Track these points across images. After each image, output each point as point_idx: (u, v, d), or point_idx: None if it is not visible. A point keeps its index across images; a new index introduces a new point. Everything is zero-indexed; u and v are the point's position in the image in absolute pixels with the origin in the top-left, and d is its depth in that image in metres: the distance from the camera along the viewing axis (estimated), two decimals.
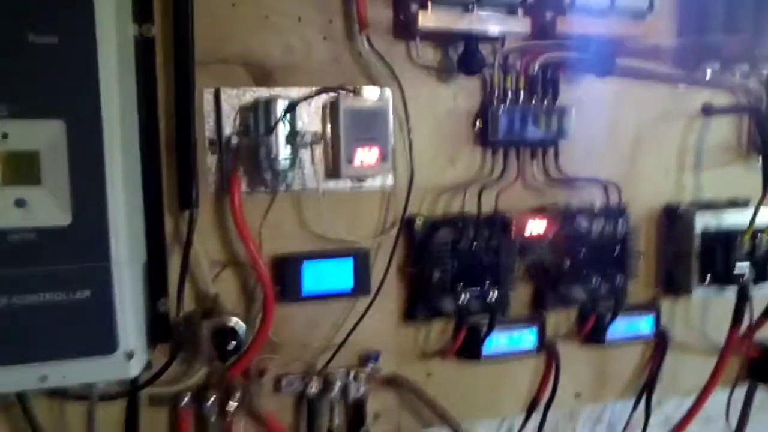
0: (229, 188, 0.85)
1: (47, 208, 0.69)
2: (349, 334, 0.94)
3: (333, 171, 0.90)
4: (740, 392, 1.20)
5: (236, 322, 0.86)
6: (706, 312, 1.16)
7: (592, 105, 1.04)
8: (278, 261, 0.91)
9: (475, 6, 0.90)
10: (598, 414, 1.16)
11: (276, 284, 0.90)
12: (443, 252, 0.94)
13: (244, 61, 0.87)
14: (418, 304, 0.98)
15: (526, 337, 1.03)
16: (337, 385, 0.94)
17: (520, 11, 0.93)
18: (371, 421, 0.99)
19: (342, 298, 0.94)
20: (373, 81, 0.92)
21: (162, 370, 0.84)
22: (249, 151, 0.85)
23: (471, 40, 0.93)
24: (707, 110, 1.11)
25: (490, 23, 0.91)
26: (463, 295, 0.95)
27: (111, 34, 0.70)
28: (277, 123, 0.82)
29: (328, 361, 0.94)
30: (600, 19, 0.95)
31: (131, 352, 0.74)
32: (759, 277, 1.06)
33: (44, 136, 0.68)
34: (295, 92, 0.87)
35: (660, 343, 1.13)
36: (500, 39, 0.96)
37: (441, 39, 0.95)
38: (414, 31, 0.91)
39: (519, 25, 0.93)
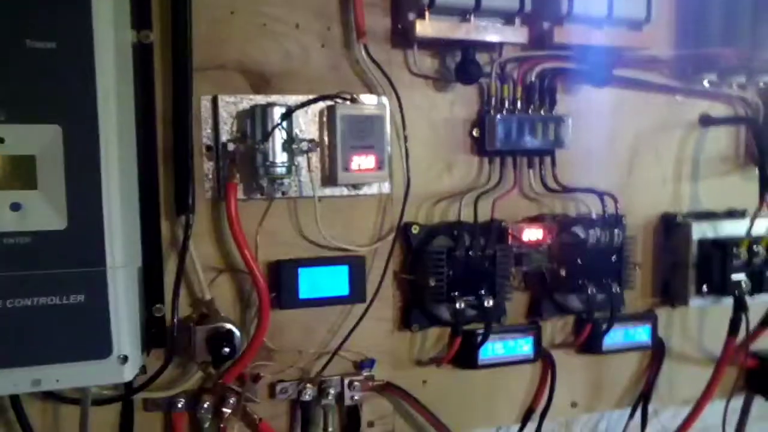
0: (226, 194, 0.85)
1: (43, 212, 0.69)
2: (344, 341, 0.94)
3: (329, 178, 0.90)
4: (737, 402, 1.19)
5: (231, 327, 0.86)
6: (703, 322, 1.16)
7: (589, 114, 1.05)
8: (274, 267, 0.91)
9: (472, 15, 0.90)
10: (594, 423, 1.16)
11: (271, 290, 0.90)
12: (439, 259, 0.94)
13: (242, 67, 0.88)
14: (413, 312, 0.98)
15: (522, 346, 1.03)
16: (332, 391, 0.94)
17: (518, 20, 0.93)
18: (366, 428, 0.98)
19: (337, 305, 0.94)
20: (370, 89, 0.93)
21: (156, 374, 0.84)
22: (246, 157, 0.86)
23: (468, 49, 0.93)
24: (705, 121, 1.11)
25: (488, 32, 0.92)
26: (458, 303, 0.95)
27: (109, 40, 0.70)
28: (273, 130, 0.83)
29: (323, 368, 0.94)
30: (597, 29, 0.96)
31: (125, 356, 0.74)
32: (755, 287, 1.06)
33: (41, 141, 0.68)
34: (293, 99, 0.88)
35: (657, 352, 1.13)
36: (498, 48, 0.96)
37: (438, 47, 0.95)
38: (411, 40, 0.92)
39: (516, 35, 0.93)
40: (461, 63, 0.93)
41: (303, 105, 0.85)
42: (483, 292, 0.96)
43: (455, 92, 0.98)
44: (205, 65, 0.86)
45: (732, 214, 1.12)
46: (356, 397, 0.96)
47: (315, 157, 0.90)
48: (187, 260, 0.85)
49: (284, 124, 0.84)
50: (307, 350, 0.94)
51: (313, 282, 0.92)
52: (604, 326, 1.05)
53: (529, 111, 0.99)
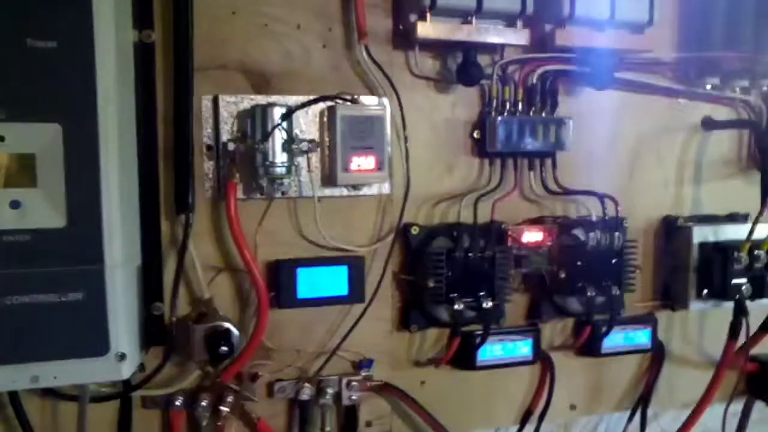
0: (226, 194, 0.85)
1: (42, 210, 0.70)
2: (342, 341, 0.94)
3: (329, 178, 0.91)
4: (738, 406, 1.19)
5: (229, 326, 0.86)
6: (703, 325, 1.16)
7: (591, 117, 1.05)
8: (273, 267, 0.91)
9: (474, 17, 0.90)
10: (593, 426, 1.16)
11: (270, 290, 0.90)
12: (438, 261, 0.94)
13: (243, 67, 0.88)
14: (412, 312, 0.98)
15: (521, 348, 1.03)
16: (330, 391, 0.94)
17: (519, 23, 0.93)
18: (363, 428, 0.99)
19: (336, 305, 0.94)
20: (371, 90, 0.93)
21: (154, 372, 0.85)
22: (246, 157, 0.86)
23: (470, 51, 0.93)
24: (707, 124, 1.11)
25: (489, 34, 0.91)
26: (457, 304, 0.95)
27: (109, 39, 0.70)
28: (273, 130, 0.83)
29: (321, 367, 0.95)
30: (599, 31, 0.96)
31: (123, 354, 0.74)
32: (756, 292, 1.06)
33: (41, 140, 0.69)
34: (293, 100, 0.88)
35: (656, 355, 1.13)
36: (499, 50, 0.96)
37: (440, 49, 0.95)
38: (413, 41, 0.92)
39: (518, 37, 0.93)
40: (462, 65, 0.93)
41: (303, 105, 0.86)
42: (482, 293, 0.96)
43: (456, 94, 0.98)
44: (206, 65, 0.86)
45: (733, 218, 1.11)
46: (354, 397, 0.96)
47: (315, 158, 0.90)
48: (187, 259, 0.86)
49: (284, 124, 0.84)
50: (305, 350, 0.95)
51: (312, 282, 0.92)
52: (604, 329, 1.04)
53: (531, 113, 0.99)
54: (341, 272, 0.93)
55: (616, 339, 1.07)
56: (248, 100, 0.87)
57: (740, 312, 1.05)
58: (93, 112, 0.70)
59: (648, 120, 1.08)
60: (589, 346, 1.07)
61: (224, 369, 0.89)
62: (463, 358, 1.00)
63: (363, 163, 0.89)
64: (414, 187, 0.95)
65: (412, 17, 0.90)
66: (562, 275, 1.01)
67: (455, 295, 0.95)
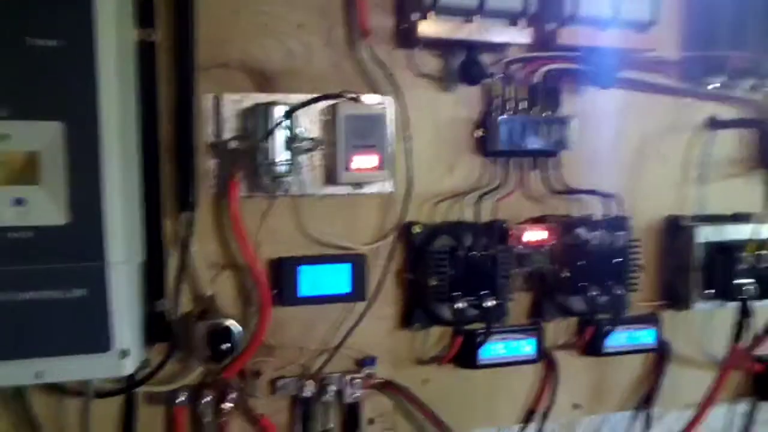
0: (228, 192, 0.86)
1: (45, 207, 0.70)
2: (344, 339, 0.95)
3: (331, 177, 0.91)
4: (744, 407, 1.18)
5: (231, 323, 0.87)
6: (708, 325, 1.15)
7: (595, 116, 1.04)
8: (275, 264, 0.92)
9: (476, 16, 0.90)
10: (596, 426, 1.16)
11: (273, 287, 0.91)
12: (441, 259, 0.94)
13: (245, 66, 0.89)
14: (415, 311, 0.98)
15: (524, 346, 1.03)
16: (332, 388, 0.95)
17: (522, 21, 0.93)
18: (366, 425, 0.99)
19: (339, 303, 0.95)
20: (373, 88, 0.93)
21: (156, 369, 0.86)
22: (248, 155, 0.87)
23: (472, 50, 0.93)
24: (713, 123, 1.10)
25: (491, 33, 0.92)
26: (459, 303, 0.95)
27: (111, 38, 0.71)
28: (274, 128, 0.84)
29: (323, 365, 0.95)
30: (603, 30, 0.95)
31: (125, 350, 0.75)
32: (761, 292, 1.05)
33: (43, 137, 0.69)
34: (295, 98, 0.88)
35: (660, 355, 1.13)
36: (502, 49, 0.96)
37: (442, 48, 0.95)
38: (415, 40, 0.92)
39: (521, 36, 0.93)
40: (464, 64, 0.94)
41: (305, 104, 0.86)
42: (484, 292, 0.96)
43: (459, 92, 0.98)
44: (208, 63, 0.87)
45: (738, 217, 1.11)
46: (356, 395, 0.96)
47: (317, 156, 0.90)
48: (190, 256, 0.87)
49: (286, 122, 0.85)
50: (308, 347, 0.95)
51: (314, 279, 0.92)
52: (607, 328, 1.04)
53: (533, 112, 0.99)
54: (343, 270, 0.94)
55: (619, 338, 1.07)
56: (250, 99, 0.88)
57: (745, 312, 1.04)
58: (94, 111, 0.70)
59: (652, 119, 1.08)
60: (592, 346, 1.07)
61: (226, 366, 0.89)
62: (466, 356, 1.00)
63: (365, 161, 0.90)
64: (416, 186, 0.95)
65: (414, 16, 0.90)
66: (565, 274, 1.01)
67: (457, 293, 0.95)
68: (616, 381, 1.12)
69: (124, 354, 0.75)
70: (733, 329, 1.06)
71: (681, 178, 1.11)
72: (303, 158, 0.89)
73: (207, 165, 0.88)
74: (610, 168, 1.06)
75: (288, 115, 0.85)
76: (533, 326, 1.04)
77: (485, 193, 0.99)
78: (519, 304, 1.04)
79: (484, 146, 0.99)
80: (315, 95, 0.86)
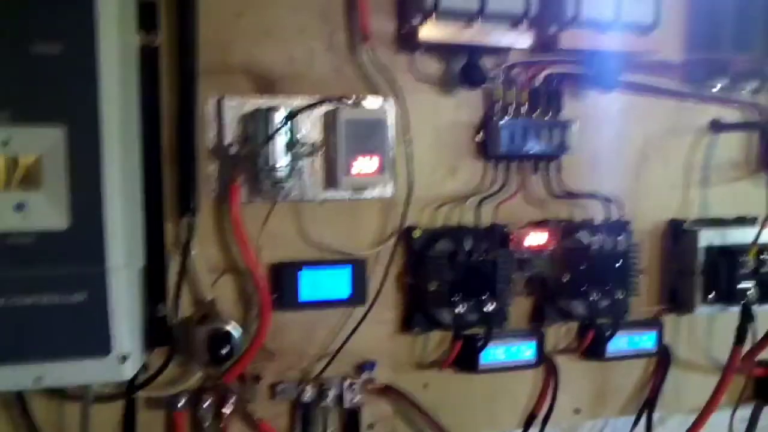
0: (229, 196, 0.86)
1: (46, 212, 0.70)
2: (344, 343, 0.95)
3: (331, 181, 0.91)
4: (746, 412, 1.18)
5: (232, 327, 0.87)
6: (710, 329, 1.15)
7: (597, 119, 1.04)
8: (276, 268, 0.92)
9: (477, 19, 0.90)
10: (598, 430, 1.15)
11: (273, 291, 0.91)
12: (441, 263, 0.94)
13: (247, 70, 0.89)
14: (415, 315, 0.98)
15: (525, 351, 1.03)
16: (332, 392, 0.95)
17: (523, 25, 0.92)
18: (366, 430, 0.99)
19: (339, 307, 0.95)
20: (375, 92, 0.93)
21: (157, 373, 0.86)
22: (249, 159, 0.87)
23: (473, 53, 0.93)
24: (716, 126, 1.10)
25: (493, 37, 0.91)
26: (459, 307, 0.95)
27: (113, 43, 0.71)
28: (274, 132, 0.84)
29: (323, 369, 0.95)
30: (604, 33, 0.95)
31: (125, 354, 0.75)
32: (763, 296, 1.05)
33: (44, 143, 0.70)
34: (296, 102, 0.88)
35: (662, 359, 1.12)
36: (503, 52, 0.96)
37: (443, 51, 0.95)
38: (416, 44, 0.92)
39: (522, 39, 0.93)
40: (465, 67, 0.93)
41: (305, 108, 0.86)
42: (484, 296, 0.96)
43: (460, 96, 0.98)
44: (210, 68, 0.87)
45: (741, 221, 1.10)
46: (356, 400, 0.96)
47: (318, 160, 0.90)
48: (191, 261, 0.87)
49: (287, 126, 0.85)
50: (308, 352, 0.95)
51: (314, 283, 0.92)
52: (608, 333, 1.04)
53: (535, 116, 0.98)
54: (344, 275, 0.94)
55: (620, 343, 1.06)
56: (252, 103, 0.88)
57: (747, 316, 1.04)
58: (95, 116, 0.70)
59: (655, 122, 1.07)
60: (593, 350, 1.06)
61: (226, 370, 0.89)
62: (466, 361, 1.00)
63: (365, 165, 0.90)
64: (417, 190, 0.95)
65: (415, 20, 0.90)
66: (566, 279, 1.01)
67: (457, 298, 0.95)
68: (618, 385, 1.12)
69: (123, 358, 0.75)
70: (736, 333, 1.06)
71: (683, 182, 1.10)
72: (303, 162, 0.89)
73: (208, 169, 0.88)
74: (612, 171, 1.06)
75: (288, 119, 0.85)
76: (534, 330, 1.03)
77: (486, 197, 0.98)
78: (520, 308, 1.04)
79: (485, 150, 0.99)
80: (316, 99, 0.87)
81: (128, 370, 0.76)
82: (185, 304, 0.89)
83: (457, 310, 0.95)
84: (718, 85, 1.06)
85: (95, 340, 0.74)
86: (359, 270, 0.94)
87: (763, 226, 1.03)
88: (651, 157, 1.08)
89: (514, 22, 0.92)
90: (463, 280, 0.95)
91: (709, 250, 1.06)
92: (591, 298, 1.00)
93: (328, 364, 0.95)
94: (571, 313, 1.03)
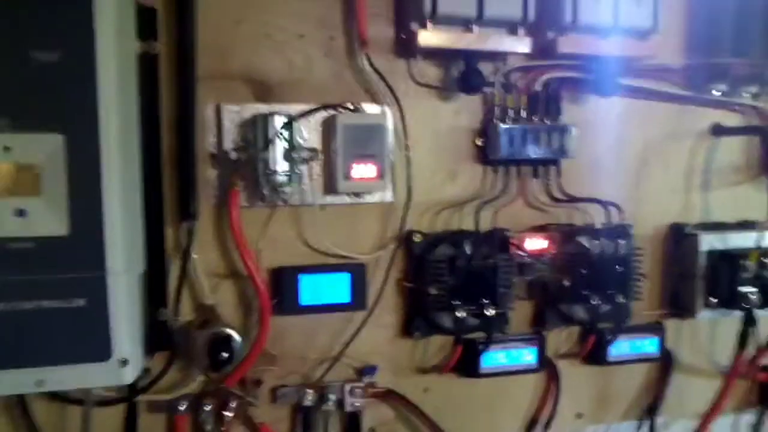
0: (228, 202, 0.87)
1: (46, 218, 0.71)
2: (345, 347, 0.95)
3: (331, 186, 0.91)
4: (750, 417, 1.17)
5: (232, 332, 0.88)
6: (713, 334, 1.14)
7: (597, 124, 1.04)
8: (276, 273, 0.92)
9: (475, 25, 0.91)
10: None
11: (273, 296, 0.91)
12: (441, 268, 0.95)
13: (246, 77, 0.90)
14: (415, 319, 0.98)
15: (526, 355, 1.03)
16: (332, 397, 0.95)
17: (522, 30, 0.93)
18: None
19: (339, 311, 0.95)
20: (373, 98, 0.94)
21: (158, 377, 0.86)
22: (248, 165, 0.87)
23: (471, 59, 0.94)
24: (716, 131, 1.10)
25: (491, 42, 0.92)
26: (459, 312, 0.95)
27: (111, 50, 0.72)
28: (273, 138, 0.84)
29: (324, 373, 0.95)
30: (603, 38, 0.95)
31: (126, 359, 0.76)
32: (765, 300, 1.04)
33: (44, 149, 0.70)
34: (295, 108, 0.89)
35: (665, 364, 1.12)
36: (502, 57, 0.96)
37: (442, 57, 0.96)
38: (414, 50, 0.92)
39: (520, 45, 0.93)
40: (464, 73, 0.94)
41: (304, 114, 0.87)
42: (484, 301, 0.96)
43: (459, 101, 0.98)
44: (210, 74, 0.88)
45: (742, 225, 1.10)
46: (357, 404, 0.96)
47: (317, 166, 0.91)
48: (191, 266, 0.87)
49: (285, 132, 0.85)
50: (308, 356, 0.95)
51: (314, 288, 0.93)
52: (610, 337, 1.04)
53: (534, 120, 0.98)
54: (344, 279, 0.94)
55: (622, 347, 1.06)
56: (251, 109, 0.88)
57: (749, 321, 1.04)
58: (95, 123, 0.71)
59: (655, 127, 1.07)
60: (595, 355, 1.06)
61: (227, 374, 0.89)
62: (467, 365, 1.00)
63: (364, 171, 0.90)
64: (417, 195, 0.95)
65: (414, 26, 0.90)
66: (567, 283, 1.01)
67: (458, 302, 0.95)
68: (620, 390, 1.12)
69: (124, 363, 0.76)
70: (738, 338, 1.05)
71: (684, 186, 1.10)
72: (303, 168, 0.90)
73: (208, 175, 0.89)
74: (612, 176, 1.06)
75: (287, 125, 0.85)
76: (534, 335, 1.03)
77: (486, 202, 0.99)
78: (521, 312, 1.03)
79: (485, 155, 0.99)
80: (315, 105, 0.87)
81: (128, 375, 0.77)
82: (186, 308, 0.89)
83: (457, 315, 0.95)
84: (719, 90, 1.06)
85: (95, 345, 0.74)
86: (359, 275, 0.95)
87: (764, 231, 1.03)
88: (651, 161, 1.08)
89: (513, 27, 0.93)
90: (464, 285, 0.96)
91: (711, 254, 1.05)
92: (592, 303, 1.00)
93: (329, 368, 0.95)
94: (573, 317, 1.03)
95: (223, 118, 0.88)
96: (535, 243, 0.99)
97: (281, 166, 0.86)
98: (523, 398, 1.07)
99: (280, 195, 0.89)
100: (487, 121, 0.99)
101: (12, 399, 0.85)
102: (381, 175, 0.91)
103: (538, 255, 1.00)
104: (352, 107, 0.90)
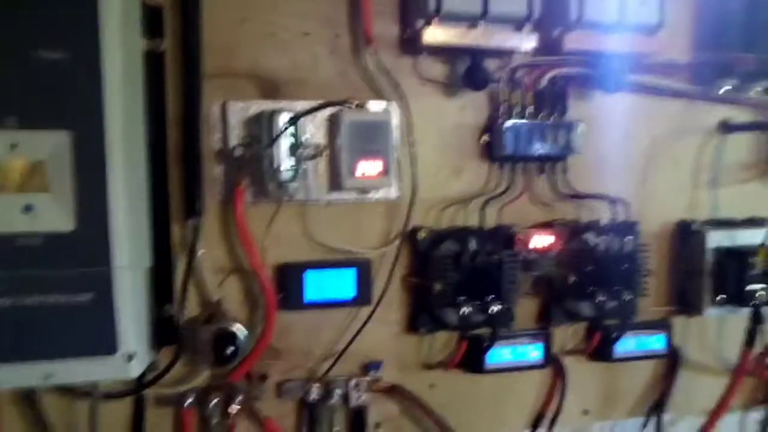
0: (233, 198, 0.87)
1: (53, 214, 0.72)
2: (350, 343, 0.96)
3: (336, 183, 0.92)
4: (758, 414, 1.17)
5: (238, 327, 0.89)
6: (721, 331, 1.14)
7: (603, 120, 1.04)
8: (281, 269, 0.93)
9: (481, 22, 0.91)
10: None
11: (279, 292, 0.92)
12: (446, 264, 0.95)
13: (252, 74, 0.90)
14: (421, 315, 0.98)
15: (531, 351, 1.03)
16: (338, 392, 0.95)
17: (527, 27, 0.93)
18: (372, 429, 1.00)
19: (344, 307, 0.96)
20: (378, 95, 0.94)
21: (164, 371, 0.87)
22: (254, 162, 0.88)
23: (476, 56, 0.94)
24: (725, 127, 1.09)
25: (496, 39, 0.92)
26: (464, 308, 0.95)
27: (117, 49, 0.73)
28: (278, 136, 0.85)
29: (329, 369, 0.96)
30: (609, 34, 0.95)
31: (131, 353, 0.77)
32: None
33: (51, 146, 0.71)
34: (301, 105, 0.89)
35: (672, 361, 1.11)
36: (507, 54, 0.96)
37: (447, 54, 0.96)
38: (420, 47, 0.92)
39: (526, 41, 0.93)
40: (469, 70, 0.94)
41: (309, 111, 0.87)
42: (490, 297, 0.96)
43: (465, 98, 0.98)
44: (215, 72, 0.88)
45: (751, 222, 1.09)
46: (362, 399, 0.97)
47: (322, 162, 0.92)
48: (197, 262, 0.88)
49: (291, 129, 0.86)
50: (313, 351, 0.96)
51: (319, 284, 0.93)
52: (616, 334, 1.04)
53: (540, 117, 0.98)
54: (349, 275, 0.95)
55: (628, 344, 1.06)
56: (256, 106, 0.89)
57: (757, 318, 1.03)
58: (100, 120, 0.72)
59: (662, 123, 1.07)
60: (601, 351, 1.06)
61: (233, 369, 0.90)
62: (472, 361, 1.00)
63: (369, 167, 0.90)
64: (422, 191, 0.95)
65: (419, 23, 0.91)
66: (572, 280, 1.01)
67: (463, 298, 0.95)
68: (627, 387, 1.12)
69: (130, 357, 0.77)
70: (746, 335, 1.05)
71: (692, 183, 1.10)
72: (308, 165, 0.90)
73: (214, 172, 0.90)
74: (619, 172, 1.06)
75: (292, 122, 0.86)
76: (540, 331, 1.03)
77: (491, 198, 0.99)
78: (526, 309, 1.04)
79: (491, 151, 0.99)
80: (320, 102, 0.88)
81: (134, 369, 0.78)
82: (192, 304, 0.90)
83: (462, 311, 0.95)
84: (727, 86, 1.05)
85: (102, 339, 0.75)
86: (364, 271, 0.95)
87: None
88: (658, 158, 1.08)
89: (518, 24, 0.93)
90: (469, 281, 0.96)
91: (718, 251, 1.05)
92: (598, 300, 1.00)
93: (334, 363, 0.96)
94: (578, 314, 1.03)
95: (229, 115, 0.89)
96: (541, 239, 0.99)
97: (286, 162, 0.87)
98: (529, 395, 1.07)
99: (285, 191, 0.89)
100: (493, 118, 0.99)
101: (22, 393, 0.86)
102: (386, 172, 0.91)
103: (543, 251, 1.00)
104: (357, 104, 0.90)
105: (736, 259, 1.04)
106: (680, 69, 1.05)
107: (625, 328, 1.03)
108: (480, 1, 0.89)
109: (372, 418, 1.00)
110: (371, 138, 0.90)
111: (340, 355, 0.96)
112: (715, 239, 1.05)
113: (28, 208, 0.72)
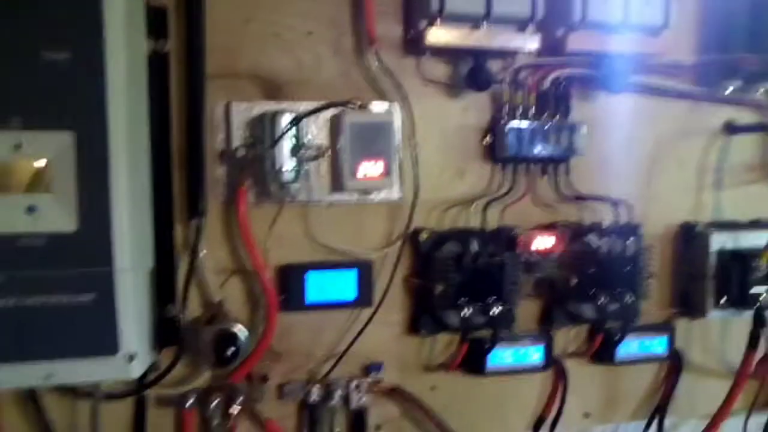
0: (236, 199, 0.87)
1: (55, 214, 0.72)
2: (351, 344, 0.95)
3: (338, 184, 0.92)
4: (761, 418, 1.16)
5: (239, 328, 0.89)
6: (724, 334, 1.13)
7: (607, 122, 1.04)
8: (283, 270, 0.93)
9: (483, 22, 0.90)
10: None
11: (280, 293, 0.92)
12: (447, 266, 0.95)
13: (255, 75, 0.90)
14: (422, 317, 0.98)
15: (533, 354, 1.02)
16: (338, 393, 0.95)
17: (530, 27, 0.92)
18: (373, 431, 1.00)
19: (345, 309, 0.96)
20: (381, 96, 0.94)
21: (164, 372, 0.87)
22: (256, 163, 0.88)
23: (479, 57, 0.93)
24: (730, 129, 1.09)
25: (499, 40, 0.92)
26: (466, 310, 0.95)
27: (120, 50, 0.73)
28: (281, 136, 0.85)
29: (330, 370, 0.96)
30: (612, 35, 0.95)
31: (133, 354, 0.77)
32: None
33: (54, 147, 0.71)
34: (303, 106, 0.89)
35: (674, 364, 1.11)
36: (510, 55, 0.96)
37: (450, 55, 0.96)
38: (423, 48, 0.92)
39: (529, 42, 0.93)
40: (472, 71, 0.94)
41: (311, 112, 0.87)
42: (491, 299, 0.96)
43: (467, 99, 0.98)
44: (219, 73, 0.88)
45: (755, 224, 1.09)
46: (363, 401, 0.97)
47: (324, 163, 0.91)
48: (199, 263, 0.88)
49: (293, 130, 0.86)
50: (314, 353, 0.96)
51: (321, 285, 0.93)
52: (618, 336, 1.03)
53: (543, 118, 0.98)
54: (350, 276, 0.94)
55: (631, 347, 1.06)
56: (259, 107, 0.89)
57: (760, 321, 1.02)
58: (104, 121, 0.72)
59: (666, 124, 1.07)
60: (602, 354, 1.06)
61: (234, 370, 0.90)
62: (473, 363, 1.00)
63: (371, 168, 0.90)
64: (424, 193, 0.95)
65: (422, 24, 0.91)
66: (575, 282, 1.00)
67: (464, 300, 0.95)
68: (629, 390, 1.11)
69: (131, 358, 0.77)
70: (749, 338, 1.04)
71: (696, 184, 1.09)
72: (310, 166, 0.90)
73: (217, 173, 0.90)
74: (622, 174, 1.05)
75: (294, 123, 0.86)
76: (541, 334, 1.03)
77: (494, 200, 0.98)
78: (528, 311, 1.03)
79: (493, 153, 0.99)
80: (322, 103, 0.88)
81: (136, 370, 0.78)
82: (193, 305, 0.90)
83: (463, 313, 0.95)
84: (731, 87, 1.05)
85: (103, 340, 0.75)
86: (366, 272, 0.95)
87: None
88: (662, 159, 1.07)
89: (521, 25, 0.92)
90: (470, 283, 0.96)
91: (721, 253, 1.04)
92: (600, 302, 1.00)
93: (335, 365, 0.96)
94: (580, 316, 1.03)
95: (232, 116, 0.89)
96: (543, 241, 0.99)
97: (289, 163, 0.87)
98: (530, 397, 1.07)
99: (287, 192, 0.89)
100: (496, 119, 0.98)
101: (23, 393, 0.87)
102: (388, 173, 0.91)
103: (545, 253, 1.00)
104: (359, 105, 0.90)
105: (739, 262, 1.03)
106: (685, 70, 1.05)
107: (628, 331, 1.03)
108: (483, 2, 0.89)
109: (372, 420, 1.00)
110: (373, 139, 0.90)
111: (341, 357, 0.96)
112: (719, 241, 1.04)
113: (31, 209, 0.72)
